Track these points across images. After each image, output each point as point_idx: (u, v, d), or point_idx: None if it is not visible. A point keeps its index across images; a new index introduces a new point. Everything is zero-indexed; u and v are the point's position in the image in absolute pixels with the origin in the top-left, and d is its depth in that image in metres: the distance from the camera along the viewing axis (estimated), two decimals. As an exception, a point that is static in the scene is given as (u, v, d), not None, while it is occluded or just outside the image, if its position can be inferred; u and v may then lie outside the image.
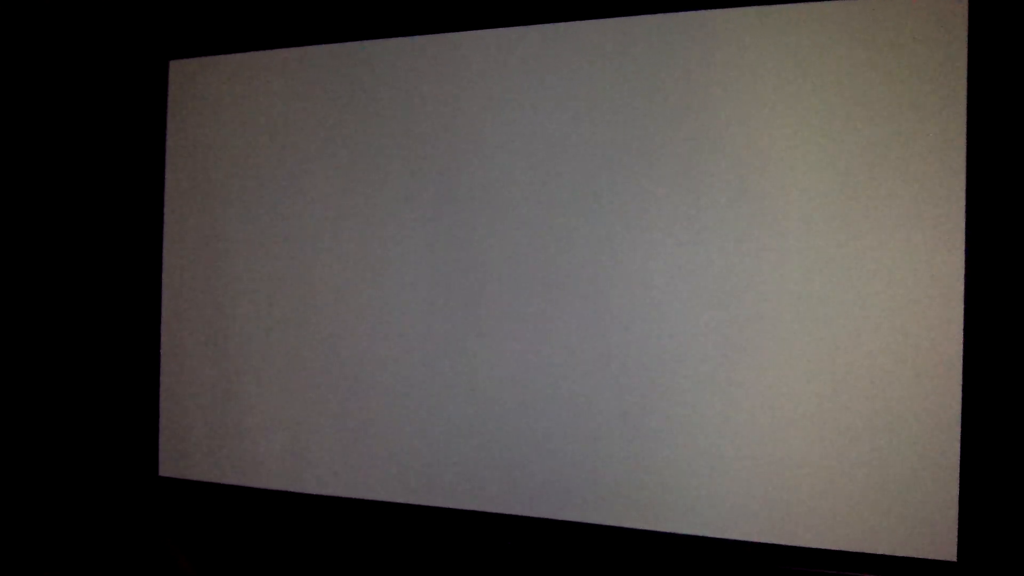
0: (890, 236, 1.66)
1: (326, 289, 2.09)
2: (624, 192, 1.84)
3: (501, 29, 1.95)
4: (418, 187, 2.00)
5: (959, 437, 1.60)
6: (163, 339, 2.24)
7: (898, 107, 1.66)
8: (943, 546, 1.61)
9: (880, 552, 1.65)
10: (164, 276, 2.24)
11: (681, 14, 1.81)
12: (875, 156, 1.67)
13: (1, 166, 2.37)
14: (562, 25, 1.90)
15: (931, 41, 1.64)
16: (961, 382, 1.60)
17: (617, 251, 1.85)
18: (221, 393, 2.18)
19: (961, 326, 1.60)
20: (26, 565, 2.35)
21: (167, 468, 2.24)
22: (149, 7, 2.27)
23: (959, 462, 1.60)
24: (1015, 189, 1.59)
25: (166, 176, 2.24)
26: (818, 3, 1.72)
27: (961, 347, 1.60)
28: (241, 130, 2.17)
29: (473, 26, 1.97)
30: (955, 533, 1.60)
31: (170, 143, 2.24)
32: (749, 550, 1.75)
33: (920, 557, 1.62)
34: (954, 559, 1.60)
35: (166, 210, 2.24)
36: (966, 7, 1.62)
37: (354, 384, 2.06)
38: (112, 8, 2.29)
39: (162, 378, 2.24)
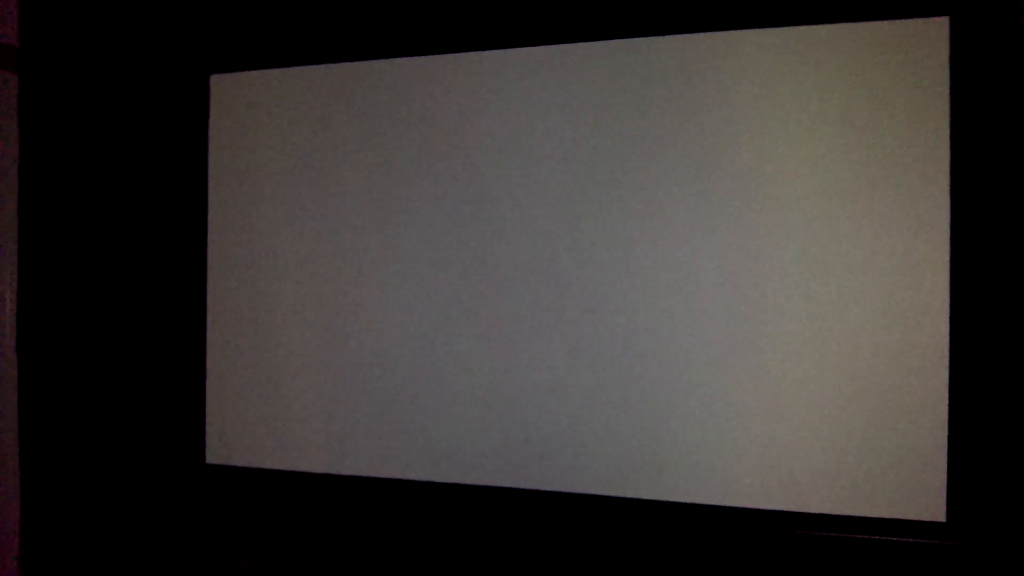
0: (881, 239, 1.82)
1: (360, 285, 2.23)
2: (632, 196, 2.00)
3: (520, 49, 2.12)
4: (441, 192, 2.16)
5: (947, 411, 1.77)
6: (209, 333, 2.37)
7: (887, 122, 1.81)
8: (934, 508, 1.78)
9: (878, 516, 1.82)
10: (209, 273, 2.37)
11: (689, 35, 1.98)
12: (867, 166, 1.83)
13: (60, 178, 2.48)
14: (577, 45, 2.06)
15: (916, 59, 1.80)
16: (948, 362, 1.77)
17: (626, 251, 2.01)
18: (263, 383, 2.32)
19: (948, 309, 1.77)
20: (77, 556, 2.46)
21: (213, 456, 2.38)
22: (192, 26, 2.40)
23: (947, 433, 1.76)
24: (994, 197, 1.76)
25: (209, 182, 2.38)
26: (814, 26, 1.88)
27: (948, 328, 1.76)
28: (277, 139, 2.32)
29: (493, 46, 2.14)
30: (944, 497, 1.77)
31: (212, 151, 2.38)
32: (757, 517, 1.91)
33: (914, 519, 1.79)
34: (944, 520, 1.77)
35: (210, 213, 2.38)
36: (948, 29, 1.78)
37: (386, 373, 2.21)
38: (157, 27, 2.42)
39: (208, 370, 2.37)
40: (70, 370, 2.48)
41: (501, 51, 2.13)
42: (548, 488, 2.08)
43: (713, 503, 1.95)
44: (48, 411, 2.48)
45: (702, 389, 1.95)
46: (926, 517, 1.79)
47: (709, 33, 1.96)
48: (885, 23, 1.83)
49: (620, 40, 2.03)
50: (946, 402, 1.77)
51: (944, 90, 1.78)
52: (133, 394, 2.46)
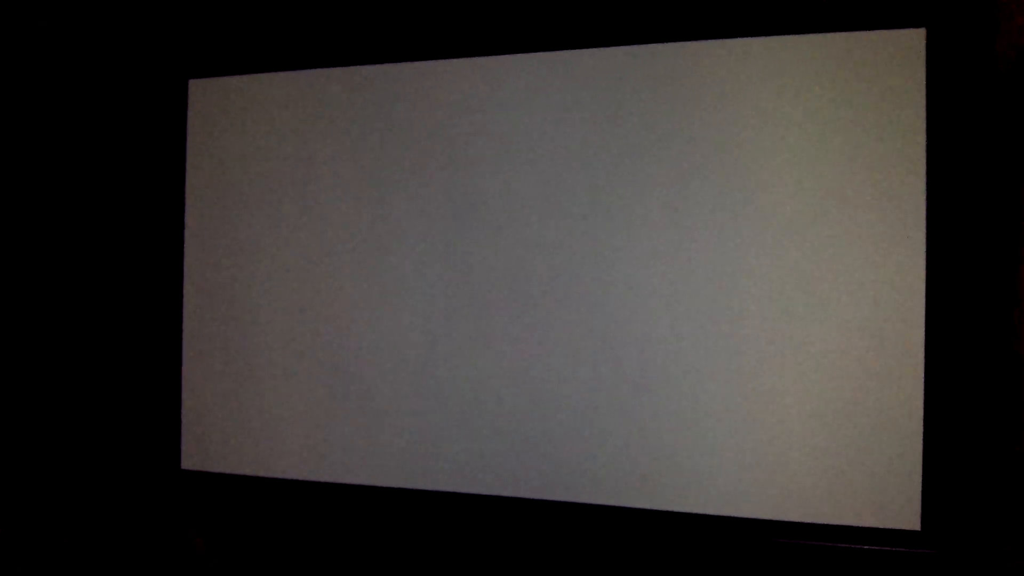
0: (858, 248, 1.84)
1: (341, 289, 2.23)
2: (622, 201, 2.01)
3: (503, 56, 2.12)
4: (423, 198, 2.16)
5: (922, 420, 1.78)
6: (184, 335, 2.36)
7: (864, 130, 1.83)
8: (909, 517, 1.79)
9: (853, 524, 1.83)
10: (185, 276, 2.36)
11: (670, 44, 1.99)
12: (845, 174, 1.84)
13: (34, 179, 2.47)
14: (562, 53, 2.07)
15: (893, 69, 1.82)
16: (923, 374, 1.78)
17: (616, 256, 2.01)
18: (241, 387, 2.31)
19: (923, 321, 1.79)
20: (47, 562, 2.44)
21: (189, 461, 2.36)
22: (169, 30, 2.40)
23: (922, 442, 1.78)
24: (968, 203, 1.78)
25: (186, 186, 2.37)
26: (794, 36, 1.90)
27: (923, 340, 1.78)
28: (257, 144, 2.31)
29: (476, 53, 2.14)
30: (919, 505, 1.78)
31: (190, 155, 2.37)
32: (732, 525, 1.92)
33: (889, 528, 1.81)
34: (918, 528, 1.79)
35: (187, 218, 2.37)
36: (924, 39, 1.81)
37: (368, 378, 2.20)
38: (135, 30, 2.41)
39: (184, 373, 2.35)
40: (42, 372, 2.46)
41: (484, 58, 2.14)
42: (533, 496, 2.08)
43: (689, 511, 1.96)
44: (16, 413, 2.45)
45: (680, 398, 1.96)
46: (901, 525, 1.80)
47: (690, 43, 1.98)
48: (863, 34, 1.85)
49: (603, 48, 2.04)
50: (921, 411, 1.79)
51: (920, 99, 1.81)
52: (107, 397, 2.44)
